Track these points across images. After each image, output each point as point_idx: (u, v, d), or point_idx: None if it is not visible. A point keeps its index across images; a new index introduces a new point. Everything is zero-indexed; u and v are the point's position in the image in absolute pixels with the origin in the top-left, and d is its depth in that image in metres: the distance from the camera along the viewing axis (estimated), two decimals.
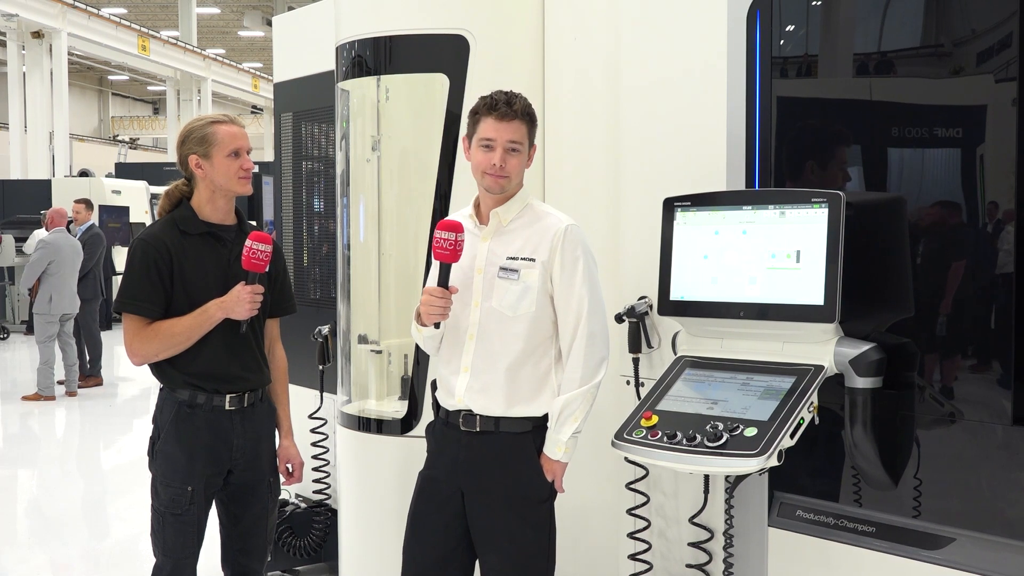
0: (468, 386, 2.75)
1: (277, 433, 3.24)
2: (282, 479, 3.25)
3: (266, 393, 3.15)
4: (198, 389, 2.97)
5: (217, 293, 2.97)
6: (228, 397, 3.00)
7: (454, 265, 2.73)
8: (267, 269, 3.00)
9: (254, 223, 3.23)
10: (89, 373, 10.26)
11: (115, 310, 3.00)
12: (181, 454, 2.96)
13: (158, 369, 3.02)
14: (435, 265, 2.73)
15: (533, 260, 2.73)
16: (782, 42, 2.80)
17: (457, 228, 2.67)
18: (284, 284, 3.22)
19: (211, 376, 2.98)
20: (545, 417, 2.74)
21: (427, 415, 3.51)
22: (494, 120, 2.71)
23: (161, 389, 3.05)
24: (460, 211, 2.91)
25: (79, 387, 9.91)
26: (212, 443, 2.98)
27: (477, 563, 2.83)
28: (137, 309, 2.94)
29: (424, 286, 3.03)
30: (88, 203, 10.66)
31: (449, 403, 2.80)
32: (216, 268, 3.01)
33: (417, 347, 3.53)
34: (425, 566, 2.81)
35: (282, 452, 3.22)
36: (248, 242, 2.94)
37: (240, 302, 2.94)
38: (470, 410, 2.76)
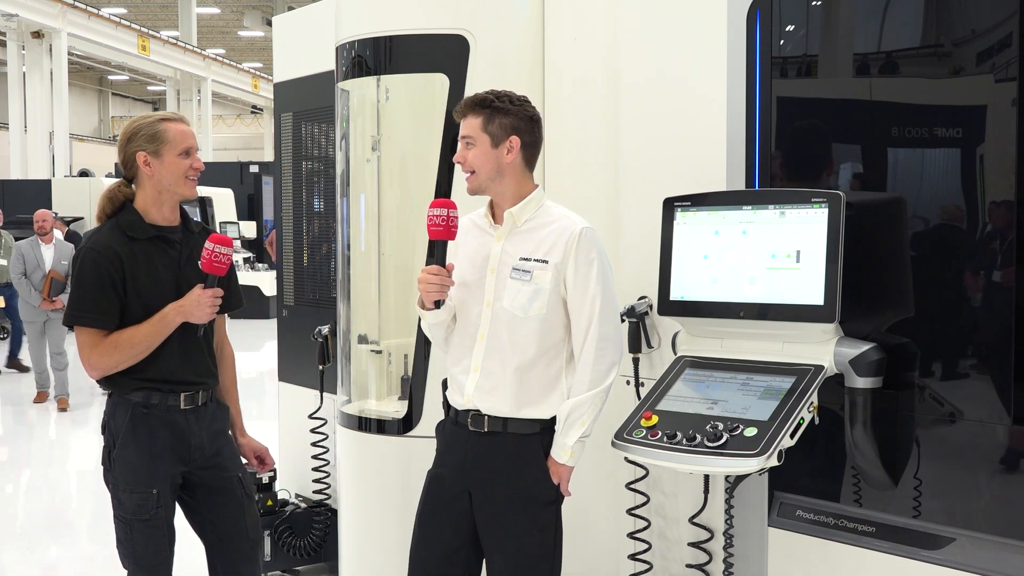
0: (477, 386, 2.74)
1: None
2: (258, 471, 3.22)
3: (215, 393, 3.04)
4: (152, 390, 2.87)
5: (171, 297, 2.88)
6: (182, 396, 2.90)
7: (468, 264, 2.74)
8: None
9: (215, 227, 3.18)
10: None
11: (67, 323, 2.87)
12: (141, 457, 2.85)
13: (106, 378, 2.88)
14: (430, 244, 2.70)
15: (546, 262, 2.70)
16: (782, 42, 2.80)
17: (449, 205, 2.66)
18: (232, 280, 3.10)
19: (165, 381, 2.88)
20: (553, 419, 2.72)
21: (427, 415, 3.52)
22: (458, 120, 2.76)
23: (110, 395, 2.93)
24: (475, 212, 2.86)
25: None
26: (171, 442, 2.88)
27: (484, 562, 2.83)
28: (93, 322, 2.82)
29: None
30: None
31: (458, 402, 2.79)
32: (168, 272, 2.91)
33: (417, 347, 3.55)
34: (432, 564, 2.80)
35: (243, 449, 3.14)
36: (209, 245, 2.86)
37: (200, 306, 2.86)
38: (478, 410, 2.74)
